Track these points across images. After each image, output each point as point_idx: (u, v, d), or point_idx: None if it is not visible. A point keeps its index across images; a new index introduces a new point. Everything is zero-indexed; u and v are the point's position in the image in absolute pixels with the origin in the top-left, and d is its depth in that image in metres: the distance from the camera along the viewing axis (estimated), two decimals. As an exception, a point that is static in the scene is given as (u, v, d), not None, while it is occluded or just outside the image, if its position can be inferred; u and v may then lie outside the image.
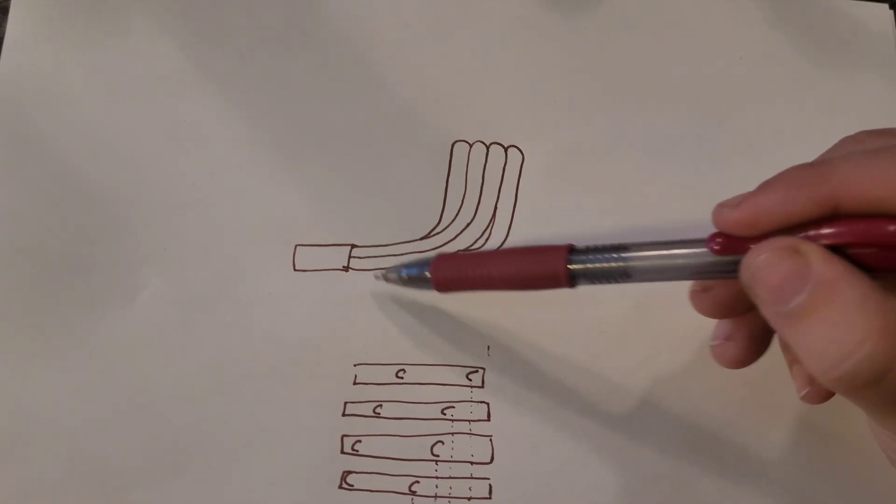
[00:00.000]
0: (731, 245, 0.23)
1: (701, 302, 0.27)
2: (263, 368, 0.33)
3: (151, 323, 0.33)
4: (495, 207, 0.35)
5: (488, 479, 0.31)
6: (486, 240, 0.34)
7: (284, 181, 0.35)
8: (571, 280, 0.27)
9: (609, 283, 0.26)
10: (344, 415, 0.32)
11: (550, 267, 0.27)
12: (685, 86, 0.36)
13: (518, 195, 0.35)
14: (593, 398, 0.32)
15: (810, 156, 0.34)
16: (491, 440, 0.32)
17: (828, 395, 0.25)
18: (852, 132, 0.34)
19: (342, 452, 0.32)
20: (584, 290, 0.33)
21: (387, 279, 0.32)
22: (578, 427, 0.32)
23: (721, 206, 0.23)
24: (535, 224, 0.34)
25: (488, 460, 0.31)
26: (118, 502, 0.31)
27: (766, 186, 0.22)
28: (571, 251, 0.26)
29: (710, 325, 0.32)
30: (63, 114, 0.35)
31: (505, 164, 0.35)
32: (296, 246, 0.34)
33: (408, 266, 0.31)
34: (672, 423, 0.32)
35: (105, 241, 0.34)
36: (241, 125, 0.35)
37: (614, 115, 0.36)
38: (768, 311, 0.22)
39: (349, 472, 0.31)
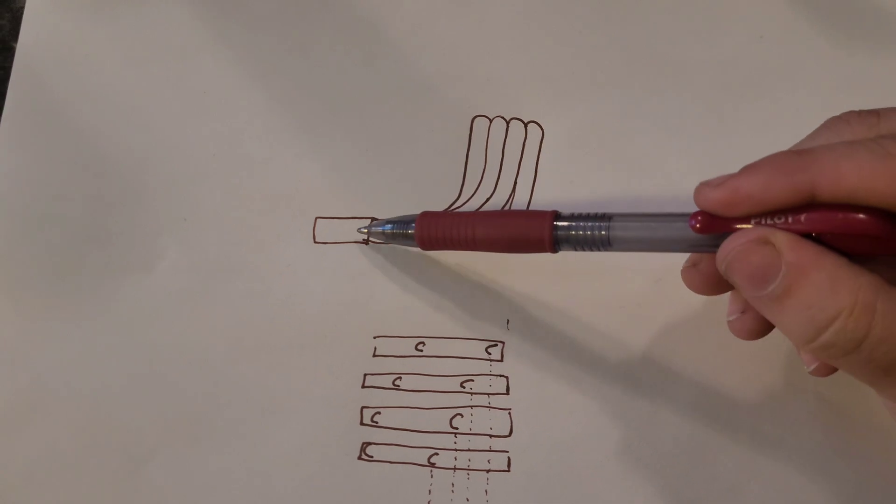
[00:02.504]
0: (711, 223, 0.23)
1: (690, 278, 0.28)
2: (283, 340, 0.33)
3: (170, 292, 0.33)
4: (515, 182, 0.35)
5: (507, 451, 0.31)
6: (506, 214, 0.34)
7: (305, 153, 0.35)
8: (555, 245, 0.28)
9: (591, 250, 0.27)
10: (363, 386, 0.32)
11: (535, 232, 0.28)
12: (706, 63, 0.36)
13: (538, 170, 0.35)
14: (612, 373, 0.32)
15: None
16: (510, 413, 0.32)
17: (833, 367, 0.25)
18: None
19: (361, 424, 0.32)
20: (604, 264, 0.33)
21: (370, 234, 0.32)
22: (597, 401, 0.32)
23: (703, 185, 0.24)
24: (555, 199, 0.34)
25: (507, 433, 0.32)
26: (135, 470, 0.31)
27: (749, 170, 0.23)
28: (557, 217, 0.27)
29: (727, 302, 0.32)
30: (82, 83, 0.35)
31: (525, 140, 0.35)
32: (316, 218, 0.34)
33: (392, 222, 0.31)
34: (689, 398, 0.32)
35: (125, 210, 0.34)
36: (262, 96, 0.35)
37: (634, 91, 0.36)
38: (747, 296, 0.23)
39: (368, 444, 0.31)
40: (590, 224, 0.27)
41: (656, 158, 0.35)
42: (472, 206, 0.34)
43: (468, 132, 0.35)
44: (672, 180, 0.34)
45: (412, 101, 0.35)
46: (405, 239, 0.31)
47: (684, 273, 0.28)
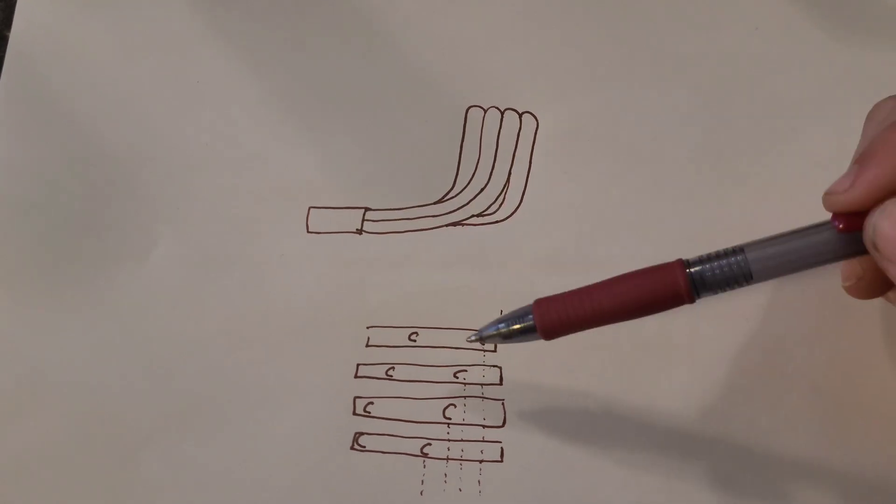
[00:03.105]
0: (854, 221, 0.23)
1: (858, 291, 0.27)
2: (276, 329, 0.33)
3: (164, 282, 0.33)
4: (509, 173, 0.34)
5: (500, 442, 0.31)
6: (500, 205, 0.34)
7: (299, 143, 0.35)
8: (695, 294, 0.25)
9: (731, 289, 0.25)
10: (356, 377, 0.32)
11: (670, 286, 0.25)
12: (701, 56, 0.36)
13: (532, 161, 0.35)
14: (604, 364, 0.32)
15: (826, 127, 0.34)
16: (503, 404, 0.32)
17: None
18: (870, 104, 0.35)
19: (354, 414, 0.32)
20: (599, 256, 0.33)
21: (483, 340, 0.28)
22: (590, 392, 0.32)
23: (831, 195, 0.23)
24: (549, 190, 0.34)
25: (500, 424, 0.31)
26: (130, 460, 0.31)
27: (869, 160, 0.22)
28: (686, 264, 0.25)
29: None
30: (76, 71, 0.35)
31: (519, 130, 0.35)
32: (309, 208, 0.34)
33: (506, 321, 0.27)
34: (683, 389, 0.32)
35: (119, 200, 0.34)
36: (256, 86, 0.35)
37: (629, 83, 0.35)
38: (893, 269, 0.22)
39: (361, 434, 0.31)
40: (724, 262, 0.25)
41: (650, 149, 0.35)
42: (466, 196, 0.34)
43: (462, 122, 0.35)
44: (666, 171, 0.34)
45: (406, 91, 0.35)
46: (525, 334, 0.27)
47: (851, 290, 0.27)
